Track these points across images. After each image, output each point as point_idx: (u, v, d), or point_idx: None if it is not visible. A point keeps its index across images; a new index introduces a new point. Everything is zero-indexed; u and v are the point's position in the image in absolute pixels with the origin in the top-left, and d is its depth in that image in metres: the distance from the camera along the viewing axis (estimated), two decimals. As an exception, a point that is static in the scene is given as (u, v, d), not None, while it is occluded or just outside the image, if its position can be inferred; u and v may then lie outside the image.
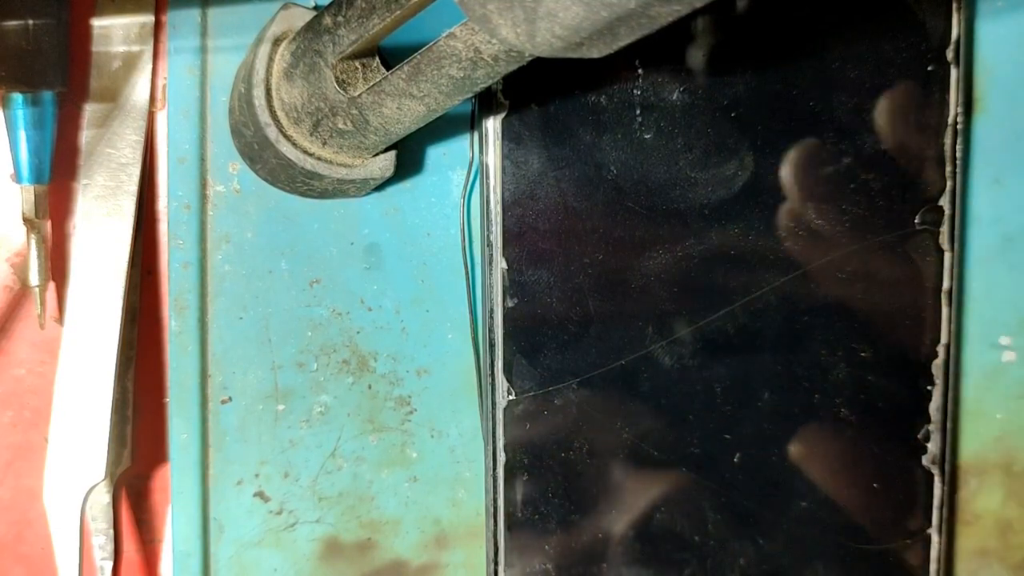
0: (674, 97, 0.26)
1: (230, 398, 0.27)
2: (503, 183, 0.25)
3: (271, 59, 0.23)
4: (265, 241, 0.26)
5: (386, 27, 0.20)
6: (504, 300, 0.25)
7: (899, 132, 0.26)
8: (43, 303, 0.26)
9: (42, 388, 0.28)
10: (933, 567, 0.27)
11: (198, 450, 0.26)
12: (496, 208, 0.25)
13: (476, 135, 0.26)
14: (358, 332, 0.27)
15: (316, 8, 0.24)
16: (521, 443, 0.26)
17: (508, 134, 0.25)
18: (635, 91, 0.25)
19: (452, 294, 0.27)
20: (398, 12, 0.20)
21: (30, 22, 0.25)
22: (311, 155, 0.24)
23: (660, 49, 0.25)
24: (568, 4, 0.15)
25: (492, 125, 0.25)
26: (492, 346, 0.26)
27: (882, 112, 0.26)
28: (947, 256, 0.27)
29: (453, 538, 0.28)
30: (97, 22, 0.26)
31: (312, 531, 0.27)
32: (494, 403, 0.26)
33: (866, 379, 0.27)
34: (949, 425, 0.27)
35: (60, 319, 0.27)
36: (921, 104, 0.26)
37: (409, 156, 0.27)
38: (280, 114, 0.24)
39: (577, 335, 0.26)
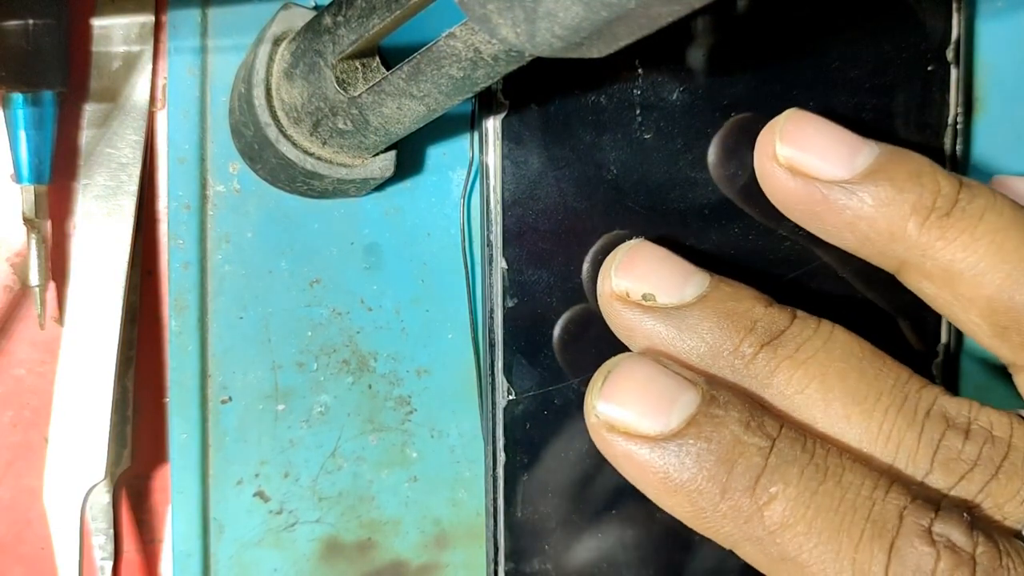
0: (674, 97, 0.26)
1: (230, 398, 0.27)
2: (503, 183, 0.25)
3: (271, 59, 0.23)
4: (265, 241, 0.26)
5: (386, 27, 0.21)
6: (504, 300, 0.25)
7: (899, 132, 0.27)
8: (43, 303, 0.26)
9: (42, 388, 0.28)
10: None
11: (198, 450, 0.26)
12: (496, 208, 0.25)
13: (476, 135, 0.26)
14: (358, 332, 0.27)
15: (316, 8, 0.24)
16: (521, 443, 0.26)
17: (508, 134, 0.25)
18: (635, 91, 0.25)
19: (452, 294, 0.27)
20: (398, 12, 0.20)
21: (30, 22, 0.25)
22: (311, 155, 0.24)
23: (660, 49, 0.25)
24: (568, 4, 0.15)
25: (492, 125, 0.25)
26: (492, 346, 0.26)
27: (882, 112, 0.26)
28: (947, 256, 0.27)
29: (453, 538, 0.28)
30: (97, 22, 0.26)
31: (312, 531, 0.27)
32: (494, 403, 0.26)
33: (866, 379, 0.27)
34: (949, 425, 0.27)
35: (60, 319, 0.27)
36: (921, 104, 0.26)
37: (409, 156, 0.27)
38: (280, 114, 0.24)
39: (577, 335, 0.26)
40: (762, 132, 0.23)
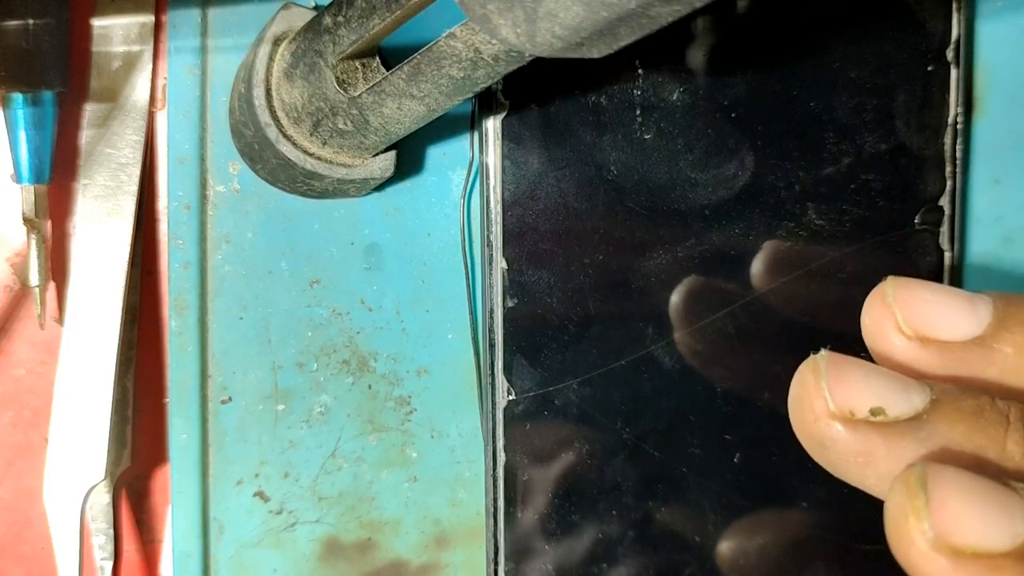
0: (674, 97, 0.26)
1: (230, 398, 0.27)
2: (503, 183, 0.25)
3: (271, 59, 0.23)
4: (265, 241, 0.26)
5: (386, 27, 0.21)
6: (504, 300, 0.25)
7: (899, 132, 0.27)
8: (43, 303, 0.26)
9: (42, 388, 0.28)
10: (933, 567, 0.27)
11: (198, 450, 0.26)
12: (496, 208, 0.25)
13: (476, 135, 0.26)
14: (358, 332, 0.27)
15: (316, 8, 0.24)
16: (521, 443, 0.26)
17: (508, 134, 0.25)
18: (635, 91, 0.25)
19: (452, 294, 0.27)
20: (398, 12, 0.20)
21: (30, 22, 0.25)
22: (311, 155, 0.24)
23: (660, 49, 0.25)
24: (568, 4, 0.15)
25: (492, 125, 0.25)
26: (492, 346, 0.26)
27: (882, 112, 0.26)
28: (947, 256, 0.27)
29: (453, 538, 0.28)
30: (97, 22, 0.26)
31: (312, 531, 0.27)
32: (494, 403, 0.26)
33: (866, 379, 0.27)
34: (949, 425, 0.27)
35: (60, 319, 0.27)
36: (921, 104, 0.26)
37: (409, 156, 0.27)
38: (280, 114, 0.24)
39: (577, 335, 0.26)
40: (870, 302, 0.20)
